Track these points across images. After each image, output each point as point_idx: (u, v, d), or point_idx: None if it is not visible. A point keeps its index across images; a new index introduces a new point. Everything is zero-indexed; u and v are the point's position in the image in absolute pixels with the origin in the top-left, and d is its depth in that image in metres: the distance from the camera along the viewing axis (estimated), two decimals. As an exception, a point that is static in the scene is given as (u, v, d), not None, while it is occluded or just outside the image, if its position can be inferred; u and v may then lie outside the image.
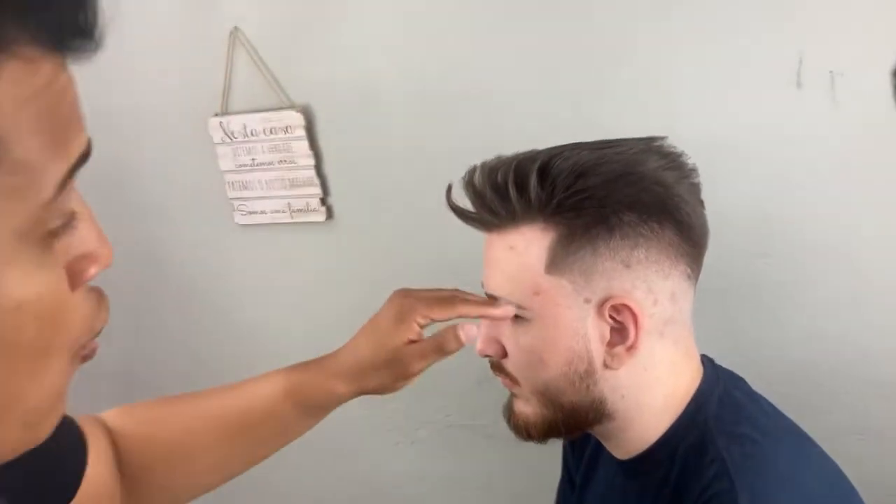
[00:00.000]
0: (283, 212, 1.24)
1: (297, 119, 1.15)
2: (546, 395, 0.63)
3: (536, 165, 0.58)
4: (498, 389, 0.69)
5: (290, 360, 0.70)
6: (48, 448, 0.54)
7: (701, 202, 0.63)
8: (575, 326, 0.60)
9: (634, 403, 0.63)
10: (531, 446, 0.68)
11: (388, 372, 0.64)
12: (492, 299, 0.64)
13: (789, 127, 0.90)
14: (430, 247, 1.14)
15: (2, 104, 0.25)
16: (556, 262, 0.59)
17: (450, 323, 0.65)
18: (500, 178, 0.59)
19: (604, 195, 0.58)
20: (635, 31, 0.94)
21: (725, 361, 0.69)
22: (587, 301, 0.60)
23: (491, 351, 0.66)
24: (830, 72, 0.86)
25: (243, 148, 1.21)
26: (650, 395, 0.63)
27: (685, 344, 0.64)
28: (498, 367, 0.67)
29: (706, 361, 0.67)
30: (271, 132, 1.18)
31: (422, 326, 0.65)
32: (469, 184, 0.62)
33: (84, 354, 0.33)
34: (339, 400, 0.67)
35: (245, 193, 1.26)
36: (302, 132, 1.16)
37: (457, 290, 0.67)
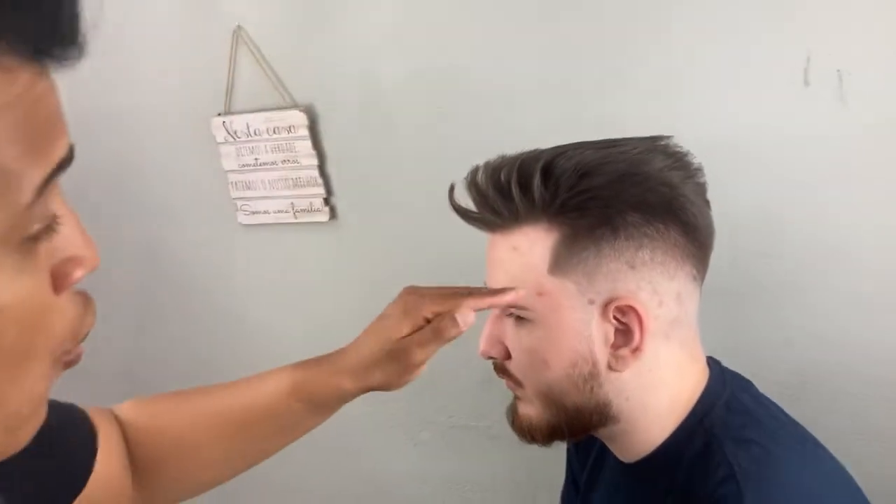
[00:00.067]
0: (287, 212, 1.24)
1: (300, 119, 1.15)
2: (549, 398, 0.63)
3: (540, 165, 0.58)
4: (502, 391, 0.69)
5: (293, 360, 0.69)
6: (58, 440, 0.54)
7: (707, 202, 0.62)
8: (579, 328, 0.60)
9: (639, 406, 0.62)
10: (535, 448, 0.67)
11: (392, 366, 0.64)
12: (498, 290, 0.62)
13: (795, 126, 0.89)
14: (434, 247, 1.14)
15: None
16: (559, 263, 0.58)
17: None
18: (503, 177, 0.59)
19: (608, 195, 0.57)
20: (639, 30, 0.93)
21: (725, 361, 0.69)
22: (591, 302, 0.59)
23: (494, 352, 0.65)
24: (838, 70, 0.85)
25: (246, 148, 1.21)
26: (655, 398, 0.62)
27: (691, 346, 0.64)
28: (501, 369, 0.66)
29: (713, 364, 0.67)
30: (274, 132, 1.18)
31: (429, 322, 0.64)
32: (472, 184, 0.61)
33: (68, 360, 0.33)
34: (345, 396, 0.67)
35: (248, 193, 1.25)
36: (305, 132, 1.16)
37: (466, 286, 0.66)
